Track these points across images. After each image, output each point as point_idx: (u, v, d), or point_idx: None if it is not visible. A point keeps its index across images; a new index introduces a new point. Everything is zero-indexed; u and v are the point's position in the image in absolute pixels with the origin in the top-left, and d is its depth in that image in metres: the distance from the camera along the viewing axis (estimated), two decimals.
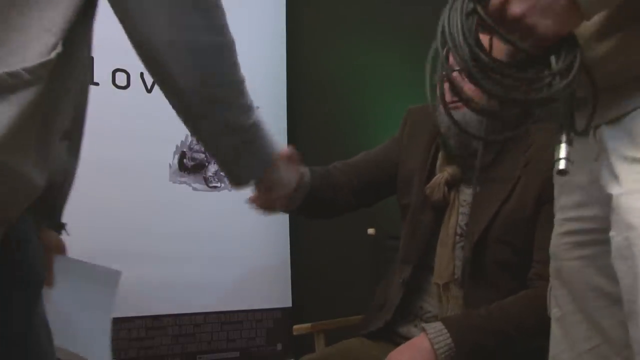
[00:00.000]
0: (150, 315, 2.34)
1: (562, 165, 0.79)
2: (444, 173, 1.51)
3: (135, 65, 1.00)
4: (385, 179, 1.64)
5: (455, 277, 1.46)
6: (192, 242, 2.38)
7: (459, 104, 1.43)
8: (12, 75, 0.72)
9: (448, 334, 1.33)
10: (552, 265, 1.00)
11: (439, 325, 1.36)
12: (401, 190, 1.62)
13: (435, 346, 1.32)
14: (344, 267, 2.43)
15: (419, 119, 1.65)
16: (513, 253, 1.43)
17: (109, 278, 1.21)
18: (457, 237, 1.48)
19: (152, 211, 2.33)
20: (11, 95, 0.73)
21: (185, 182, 2.43)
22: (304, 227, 2.65)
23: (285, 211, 1.52)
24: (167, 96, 0.93)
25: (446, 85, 1.44)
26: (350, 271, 2.36)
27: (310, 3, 2.85)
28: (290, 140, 2.91)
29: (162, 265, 2.30)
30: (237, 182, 1.07)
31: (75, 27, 0.79)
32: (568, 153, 0.79)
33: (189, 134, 2.41)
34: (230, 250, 2.47)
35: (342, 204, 1.62)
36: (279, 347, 2.62)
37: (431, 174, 1.55)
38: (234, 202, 2.61)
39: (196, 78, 0.89)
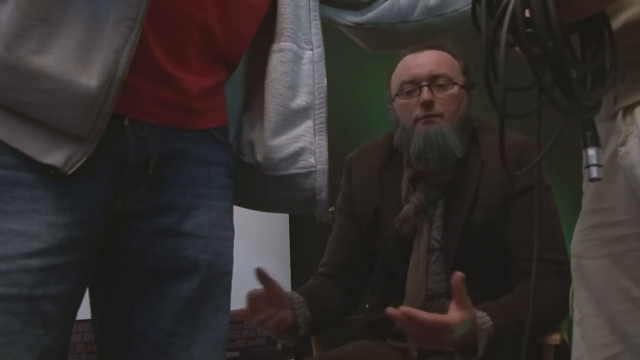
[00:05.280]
0: None
1: (594, 173, 0.68)
2: (410, 205, 1.49)
3: None
4: (368, 247, 1.61)
5: (430, 292, 1.46)
6: None
7: (434, 118, 1.45)
8: None
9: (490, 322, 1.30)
10: (574, 264, 0.92)
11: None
12: (369, 239, 1.59)
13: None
14: None
15: (362, 161, 1.63)
16: (491, 254, 1.43)
17: None
18: (437, 252, 1.48)
19: None
20: None
21: None
22: (304, 227, 2.65)
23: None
24: None
25: (415, 102, 1.46)
26: None
27: None
28: None
29: None
30: None
31: None
32: (598, 158, 0.68)
33: None
34: None
35: (358, 295, 1.64)
36: (279, 347, 2.62)
37: (397, 208, 1.52)
38: None
39: None
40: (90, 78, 0.73)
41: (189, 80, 0.87)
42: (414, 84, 1.49)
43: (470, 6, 0.97)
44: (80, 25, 0.73)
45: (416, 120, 1.48)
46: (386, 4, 1.05)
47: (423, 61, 1.51)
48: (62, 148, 0.75)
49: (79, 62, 0.73)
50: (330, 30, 1.10)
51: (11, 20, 0.71)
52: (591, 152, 0.68)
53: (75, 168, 0.75)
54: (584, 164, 0.69)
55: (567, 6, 0.65)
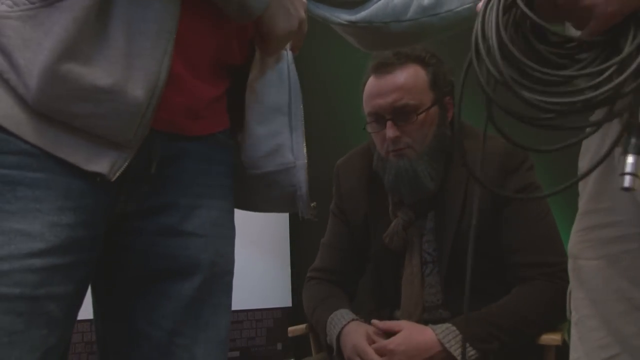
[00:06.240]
0: None
1: (626, 182, 0.63)
2: (398, 219, 1.49)
3: None
4: (363, 250, 1.63)
5: (427, 305, 1.47)
6: None
7: (403, 151, 1.42)
8: None
9: (457, 331, 1.34)
10: (571, 265, 0.90)
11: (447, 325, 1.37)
12: (360, 244, 1.61)
13: (447, 345, 1.33)
14: None
15: (350, 169, 1.63)
16: (486, 261, 1.41)
17: None
18: (430, 265, 1.48)
19: None
20: (63, 2, 0.72)
21: None
22: (304, 227, 2.65)
23: None
24: None
25: (383, 134, 1.44)
26: None
27: None
28: None
29: None
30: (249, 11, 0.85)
31: None
32: (637, 167, 0.63)
33: None
34: None
35: (355, 295, 1.68)
36: (279, 347, 2.62)
37: (385, 221, 1.53)
38: None
39: None
40: (136, 88, 0.76)
41: (202, 88, 0.88)
42: (378, 116, 1.45)
43: (465, 6, 0.99)
44: (124, 37, 0.76)
45: (387, 152, 1.46)
46: (380, 2, 1.04)
47: (385, 89, 1.44)
48: (106, 155, 0.77)
49: (125, 74, 0.75)
50: (325, 28, 1.10)
51: (65, 33, 0.72)
52: (630, 159, 0.65)
53: (118, 174, 0.77)
54: (619, 171, 0.65)
55: (594, 19, 0.65)
